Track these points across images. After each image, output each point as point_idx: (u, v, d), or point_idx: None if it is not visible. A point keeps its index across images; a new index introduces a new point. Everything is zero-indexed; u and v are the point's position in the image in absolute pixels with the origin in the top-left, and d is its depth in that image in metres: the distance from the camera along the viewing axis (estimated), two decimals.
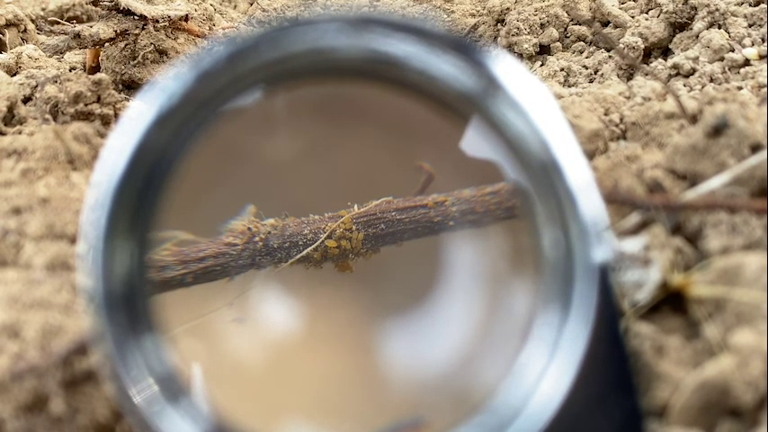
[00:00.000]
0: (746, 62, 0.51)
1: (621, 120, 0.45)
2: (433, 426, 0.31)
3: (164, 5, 0.55)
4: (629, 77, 0.53)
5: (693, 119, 0.41)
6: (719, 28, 0.53)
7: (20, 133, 0.46)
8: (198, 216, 0.33)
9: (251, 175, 0.34)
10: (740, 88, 0.47)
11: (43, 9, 0.65)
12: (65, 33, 0.52)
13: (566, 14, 0.59)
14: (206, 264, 0.34)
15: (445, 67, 0.29)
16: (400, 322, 0.33)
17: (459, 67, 0.29)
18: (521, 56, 0.58)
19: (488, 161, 0.30)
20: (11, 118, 0.49)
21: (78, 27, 0.52)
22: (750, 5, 0.54)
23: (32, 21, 0.63)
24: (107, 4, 0.52)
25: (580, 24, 0.59)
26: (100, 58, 0.55)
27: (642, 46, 0.54)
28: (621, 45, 0.54)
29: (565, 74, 0.55)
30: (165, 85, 0.28)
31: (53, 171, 0.42)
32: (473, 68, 0.29)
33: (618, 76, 0.53)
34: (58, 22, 0.60)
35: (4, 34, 0.60)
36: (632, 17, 0.58)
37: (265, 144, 0.34)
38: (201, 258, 0.34)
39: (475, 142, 0.31)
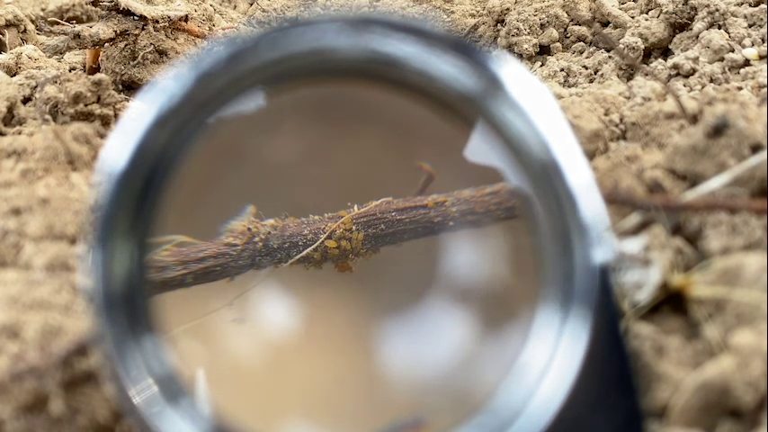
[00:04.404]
0: (746, 62, 0.51)
1: (621, 120, 0.45)
2: (434, 426, 0.31)
3: (164, 6, 0.55)
4: (629, 78, 0.53)
5: (693, 119, 0.41)
6: (719, 28, 0.53)
7: (19, 134, 0.46)
8: (198, 216, 0.33)
9: (251, 175, 0.34)
10: (740, 88, 0.47)
11: (43, 9, 0.65)
12: (65, 34, 0.52)
13: (566, 15, 0.59)
14: (206, 264, 0.34)
15: (445, 68, 0.29)
16: (400, 322, 0.33)
17: (460, 67, 0.29)
18: (521, 56, 0.58)
19: (490, 166, 0.30)
20: (10, 118, 0.49)
21: (78, 27, 0.52)
22: (750, 5, 0.54)
23: (32, 21, 0.63)
24: (107, 4, 0.52)
25: (580, 24, 0.59)
26: (100, 59, 0.55)
27: (642, 46, 0.54)
28: (621, 45, 0.54)
29: (565, 74, 0.55)
30: (164, 86, 0.28)
31: (53, 171, 0.42)
32: (473, 69, 0.29)
33: (618, 76, 0.53)
34: (58, 23, 0.60)
35: (3, 34, 0.60)
36: (632, 17, 0.58)
37: (265, 144, 0.34)
38: (201, 259, 0.34)
39: (476, 146, 0.31)
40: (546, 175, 0.28)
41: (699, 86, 0.50)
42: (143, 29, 0.53)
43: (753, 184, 0.36)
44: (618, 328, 0.27)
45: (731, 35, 0.52)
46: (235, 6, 0.72)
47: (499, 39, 0.59)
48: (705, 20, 0.53)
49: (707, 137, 0.38)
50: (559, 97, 0.48)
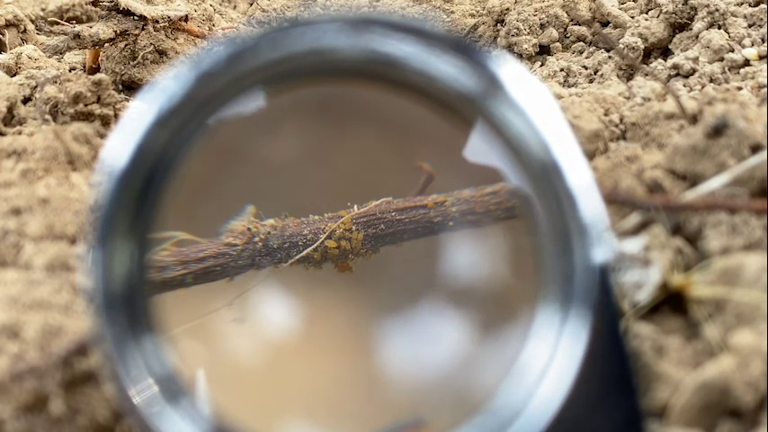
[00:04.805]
0: (746, 62, 0.51)
1: (621, 120, 0.45)
2: (433, 426, 0.31)
3: (163, 6, 0.55)
4: (629, 78, 0.53)
5: (693, 119, 0.41)
6: (719, 28, 0.53)
7: (20, 134, 0.46)
8: (198, 216, 0.33)
9: (251, 175, 0.34)
10: (740, 88, 0.47)
11: (43, 9, 0.65)
12: (64, 34, 0.52)
13: (565, 15, 0.59)
14: (206, 264, 0.34)
15: (445, 68, 0.29)
16: (400, 322, 0.33)
17: (459, 67, 0.29)
18: (520, 56, 0.58)
19: (490, 166, 0.30)
20: (11, 118, 0.49)
21: (78, 27, 0.52)
22: (750, 5, 0.54)
23: (32, 21, 0.63)
24: (107, 4, 0.52)
25: (580, 24, 0.59)
26: (100, 59, 0.55)
27: (642, 46, 0.54)
28: (621, 45, 0.54)
29: (565, 74, 0.55)
30: (165, 86, 0.28)
31: (53, 171, 0.42)
32: (473, 69, 0.29)
33: (618, 76, 0.53)
34: (58, 23, 0.60)
35: (3, 34, 0.60)
36: (632, 17, 0.58)
37: (265, 144, 0.34)
38: (201, 259, 0.34)
39: (477, 147, 0.31)
40: (546, 175, 0.28)
41: (699, 86, 0.50)
42: (143, 29, 0.53)
43: (753, 184, 0.36)
44: (618, 328, 0.27)
45: (731, 35, 0.52)
46: (235, 6, 0.72)
47: (499, 39, 0.59)
48: (705, 20, 0.53)
49: (707, 137, 0.38)
50: (559, 97, 0.48)
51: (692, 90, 0.50)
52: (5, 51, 0.58)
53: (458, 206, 0.34)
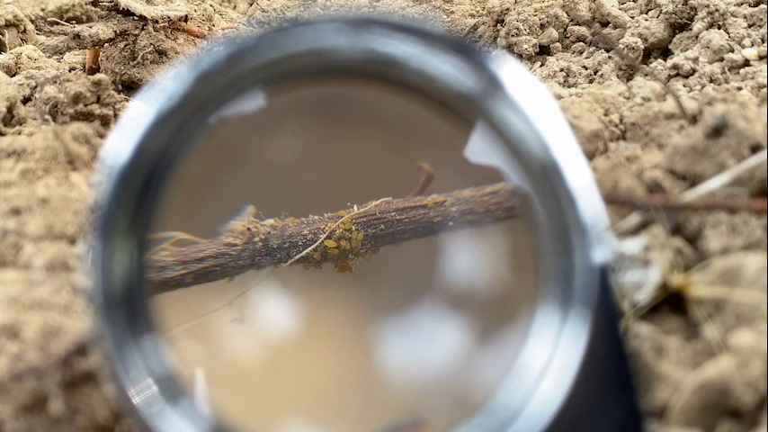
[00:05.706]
0: (746, 62, 0.51)
1: (621, 120, 0.45)
2: (433, 426, 0.31)
3: (163, 6, 0.55)
4: (629, 78, 0.53)
5: (693, 119, 0.41)
6: (719, 28, 0.53)
7: (19, 134, 0.46)
8: (198, 216, 0.33)
9: (251, 175, 0.34)
10: (740, 89, 0.47)
11: (43, 9, 0.65)
12: (64, 34, 0.52)
13: (565, 15, 0.59)
14: (205, 264, 0.34)
15: (445, 68, 0.29)
16: (400, 322, 0.33)
17: (459, 67, 0.29)
18: (520, 56, 0.58)
19: (490, 166, 0.30)
20: (10, 118, 0.49)
21: (78, 27, 0.52)
22: (750, 6, 0.54)
23: (32, 21, 0.63)
24: (107, 4, 0.52)
25: (580, 25, 0.59)
26: (99, 59, 0.55)
27: (642, 46, 0.54)
28: (621, 45, 0.54)
29: (564, 74, 0.55)
30: (164, 86, 0.28)
31: (53, 171, 0.42)
32: (473, 69, 0.29)
33: (617, 76, 0.53)
34: (58, 23, 0.60)
35: (3, 35, 0.60)
36: (632, 17, 0.58)
37: (265, 144, 0.34)
38: (201, 259, 0.34)
39: (476, 146, 0.31)
40: (546, 175, 0.28)
41: (698, 87, 0.50)
42: (143, 29, 0.53)
43: (752, 184, 0.36)
44: (618, 328, 0.27)
45: (731, 35, 0.52)
46: (235, 6, 0.72)
47: (499, 39, 0.59)
48: (705, 20, 0.53)
49: (706, 137, 0.38)
50: (559, 97, 0.48)
51: (691, 90, 0.50)
52: (5, 51, 0.58)
53: (458, 206, 0.34)
